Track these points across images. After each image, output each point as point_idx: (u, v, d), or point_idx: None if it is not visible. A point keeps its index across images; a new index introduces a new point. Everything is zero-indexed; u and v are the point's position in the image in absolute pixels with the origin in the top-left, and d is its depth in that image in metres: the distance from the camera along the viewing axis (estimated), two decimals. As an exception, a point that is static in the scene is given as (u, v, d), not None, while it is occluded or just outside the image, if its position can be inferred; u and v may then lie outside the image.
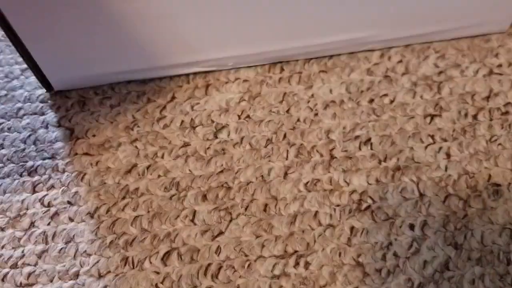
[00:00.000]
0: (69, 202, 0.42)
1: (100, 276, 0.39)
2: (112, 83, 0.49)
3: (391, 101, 0.46)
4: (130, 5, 0.42)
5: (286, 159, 0.44)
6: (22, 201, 0.43)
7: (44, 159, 0.45)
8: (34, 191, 0.43)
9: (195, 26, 0.45)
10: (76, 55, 0.46)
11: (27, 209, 0.42)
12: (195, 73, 0.49)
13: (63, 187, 0.43)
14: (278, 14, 0.45)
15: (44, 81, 0.48)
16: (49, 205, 0.42)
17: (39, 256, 0.40)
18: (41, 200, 0.43)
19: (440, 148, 0.44)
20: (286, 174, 0.43)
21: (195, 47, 0.47)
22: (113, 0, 0.41)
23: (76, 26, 0.43)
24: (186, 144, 0.45)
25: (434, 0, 0.46)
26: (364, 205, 0.41)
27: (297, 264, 0.39)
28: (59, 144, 0.46)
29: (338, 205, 0.41)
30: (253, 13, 0.44)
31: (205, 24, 0.45)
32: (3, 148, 0.46)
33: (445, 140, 0.44)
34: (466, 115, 0.45)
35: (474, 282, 0.38)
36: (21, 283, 0.39)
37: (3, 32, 0.43)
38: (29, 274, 0.39)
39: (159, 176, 0.43)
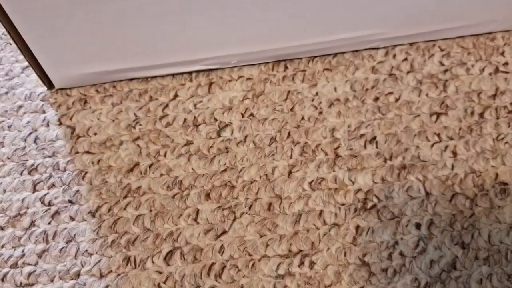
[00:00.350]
0: (70, 201, 0.42)
1: (101, 276, 0.39)
2: (114, 81, 0.48)
3: (396, 99, 0.46)
4: (132, 2, 0.41)
5: (290, 157, 0.43)
6: (23, 200, 0.42)
7: (44, 157, 0.44)
8: (34, 190, 0.43)
9: (197, 24, 0.44)
10: (78, 53, 0.45)
11: (27, 208, 0.42)
12: (197, 71, 0.48)
13: (64, 186, 0.43)
14: (281, 11, 0.44)
15: (45, 79, 0.47)
16: (49, 204, 0.42)
17: (40, 255, 0.40)
18: (41, 199, 0.42)
19: (446, 147, 0.43)
20: (290, 172, 0.42)
21: (198, 45, 0.46)
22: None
23: (78, 23, 0.43)
24: (189, 143, 0.44)
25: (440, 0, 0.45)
26: (370, 204, 0.41)
27: (302, 263, 0.38)
28: (60, 143, 0.45)
29: (343, 204, 0.41)
30: (256, 11, 0.44)
31: (208, 22, 0.44)
32: (3, 147, 0.45)
33: (451, 139, 0.43)
34: (472, 113, 0.45)
35: (482, 282, 0.37)
36: (21, 283, 0.38)
37: (4, 30, 0.43)
38: (29, 274, 0.39)
39: (161, 174, 0.43)
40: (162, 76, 0.48)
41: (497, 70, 0.47)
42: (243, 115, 0.46)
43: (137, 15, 0.43)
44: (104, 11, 0.42)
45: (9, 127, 0.46)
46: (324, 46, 0.48)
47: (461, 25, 0.48)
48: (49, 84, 0.48)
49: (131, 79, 0.48)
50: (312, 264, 0.38)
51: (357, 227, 0.40)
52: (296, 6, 0.44)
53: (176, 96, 0.47)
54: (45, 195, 0.42)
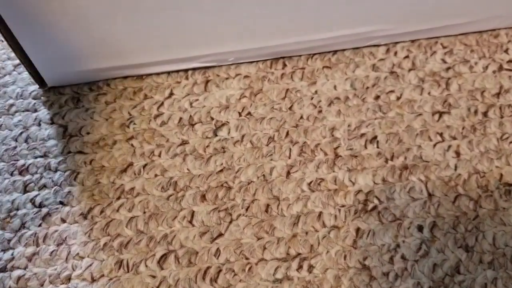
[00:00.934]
0: (61, 203, 0.41)
1: (93, 280, 0.37)
2: (107, 78, 0.47)
3: (398, 98, 0.45)
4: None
5: (289, 157, 0.42)
6: (13, 201, 0.41)
7: (36, 157, 0.43)
8: (25, 191, 0.42)
9: (194, 20, 0.43)
10: (71, 50, 0.44)
11: (17, 209, 0.41)
12: (194, 69, 0.47)
13: (56, 187, 0.42)
14: (280, 7, 0.43)
15: (37, 77, 0.46)
16: (40, 205, 0.41)
17: (30, 259, 0.38)
18: (32, 200, 0.41)
19: (449, 146, 0.42)
20: (288, 173, 0.41)
21: (194, 42, 0.45)
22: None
23: (70, 19, 0.41)
24: (184, 142, 0.43)
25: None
26: (370, 206, 0.39)
27: (300, 267, 0.37)
28: (51, 142, 0.44)
29: (343, 206, 0.39)
30: (254, 6, 0.43)
31: (205, 18, 0.43)
32: (-7, 146, 0.44)
33: (454, 138, 0.42)
34: (475, 112, 0.44)
35: (486, 286, 0.36)
36: (10, 287, 0.37)
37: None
38: (19, 278, 0.38)
39: (156, 175, 0.42)
40: (157, 74, 0.47)
41: (501, 68, 0.46)
42: (240, 114, 0.45)
43: (131, 11, 0.42)
44: (97, 6, 0.41)
45: (-1, 126, 0.45)
46: (324, 43, 0.47)
47: (464, 22, 0.47)
48: (41, 82, 0.47)
49: (125, 77, 0.47)
50: (311, 268, 0.37)
51: (358, 230, 0.38)
52: (295, 2, 0.43)
53: (171, 94, 0.46)
54: (36, 196, 0.41)
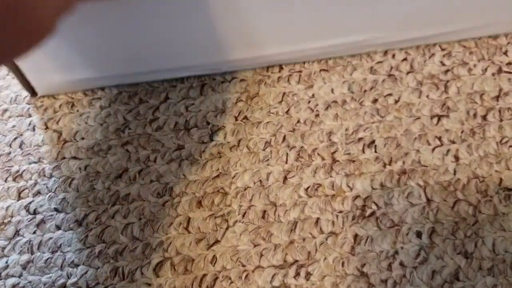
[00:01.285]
0: (56, 209, 0.40)
1: (88, 288, 0.37)
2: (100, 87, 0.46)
3: (396, 101, 0.44)
4: (119, 5, 0.39)
5: (286, 162, 0.41)
6: (7, 208, 0.41)
7: (30, 163, 0.43)
8: (19, 198, 0.41)
9: (188, 30, 0.42)
10: (61, 59, 0.44)
11: (11, 216, 0.40)
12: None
13: (50, 193, 0.41)
14: (275, 17, 0.42)
15: (27, 86, 0.46)
16: (35, 212, 0.40)
17: (24, 266, 0.38)
18: (26, 207, 0.41)
19: (448, 151, 0.41)
20: (285, 178, 0.41)
21: (188, 52, 0.44)
22: (101, 2, 0.39)
23: (61, 29, 0.41)
24: (180, 147, 0.43)
25: (440, 1, 0.43)
26: (368, 211, 0.39)
27: (297, 274, 0.37)
28: (46, 148, 0.43)
29: (340, 212, 0.39)
30: (248, 16, 0.42)
31: (199, 28, 0.42)
32: (-13, 152, 0.43)
33: (453, 142, 0.42)
34: (475, 115, 0.43)
35: (486, 293, 0.36)
36: (4, 296, 0.37)
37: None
38: (13, 286, 0.37)
39: (151, 181, 0.41)
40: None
41: (500, 70, 0.46)
42: (236, 118, 0.44)
43: (124, 19, 0.41)
44: (89, 14, 0.40)
45: (-7, 131, 0.45)
46: (320, 51, 0.46)
47: (463, 29, 0.46)
48: (32, 91, 0.46)
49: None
50: (308, 275, 0.37)
51: (355, 236, 0.38)
52: (290, 12, 0.42)
53: (167, 98, 0.46)
54: (30, 203, 0.41)
